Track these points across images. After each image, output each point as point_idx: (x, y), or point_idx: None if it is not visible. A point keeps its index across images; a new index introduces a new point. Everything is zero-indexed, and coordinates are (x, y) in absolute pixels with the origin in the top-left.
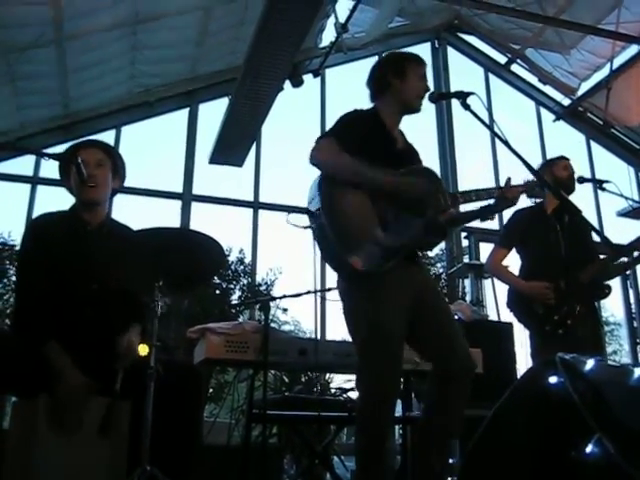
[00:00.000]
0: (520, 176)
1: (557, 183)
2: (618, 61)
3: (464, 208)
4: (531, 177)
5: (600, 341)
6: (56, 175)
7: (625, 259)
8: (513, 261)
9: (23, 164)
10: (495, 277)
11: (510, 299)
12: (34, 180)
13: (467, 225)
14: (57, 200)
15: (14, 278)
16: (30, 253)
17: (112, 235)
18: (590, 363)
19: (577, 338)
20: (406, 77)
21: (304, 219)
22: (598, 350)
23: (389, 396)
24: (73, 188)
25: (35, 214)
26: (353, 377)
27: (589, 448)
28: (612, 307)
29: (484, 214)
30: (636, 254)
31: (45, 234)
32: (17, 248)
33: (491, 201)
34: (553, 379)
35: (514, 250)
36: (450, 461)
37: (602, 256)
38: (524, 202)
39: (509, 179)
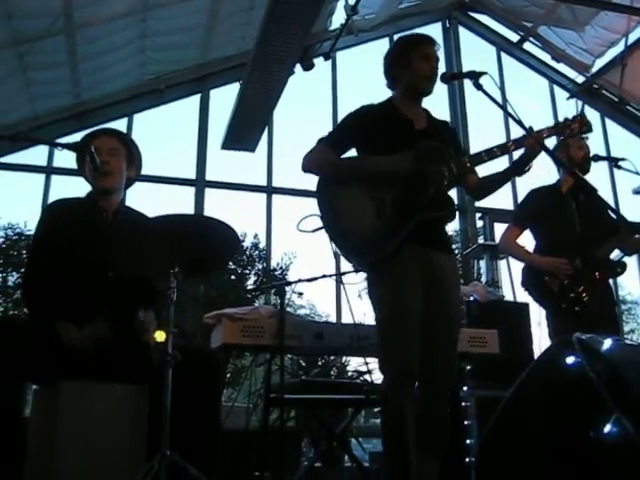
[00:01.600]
0: None
1: (571, 162)
2: (633, 37)
3: (480, 171)
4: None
5: (616, 318)
6: (70, 165)
7: None
8: (527, 241)
9: (37, 154)
10: (509, 255)
11: (525, 278)
12: (48, 170)
13: (481, 206)
14: (72, 189)
15: None
16: (43, 235)
17: (127, 222)
18: (607, 343)
19: (593, 315)
20: (410, 63)
21: (314, 221)
22: (614, 327)
23: (411, 372)
24: (88, 177)
25: None
26: (369, 360)
27: (608, 428)
28: (629, 286)
29: (517, 169)
30: None
31: (60, 219)
32: None
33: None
34: (570, 359)
35: (528, 231)
36: (468, 442)
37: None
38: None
39: (530, 127)
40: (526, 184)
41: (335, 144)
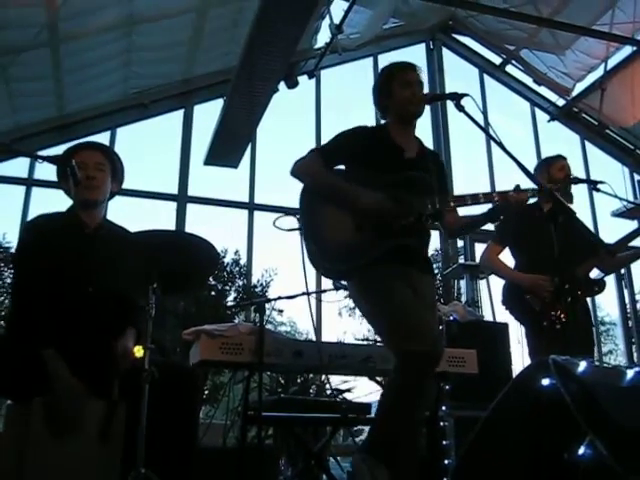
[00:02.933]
0: (515, 175)
1: (552, 183)
2: (612, 62)
3: (461, 211)
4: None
5: (593, 338)
6: (51, 177)
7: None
8: (506, 259)
9: (18, 166)
10: (491, 271)
11: (506, 296)
12: (29, 182)
13: None
14: (52, 202)
15: (9, 280)
16: (27, 254)
17: (109, 237)
18: (582, 365)
19: (572, 334)
20: (393, 93)
21: (292, 221)
22: (592, 347)
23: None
24: (70, 190)
25: (30, 216)
26: (348, 378)
27: (582, 450)
28: (607, 307)
29: (493, 217)
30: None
31: (42, 235)
32: (12, 250)
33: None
34: (546, 381)
35: (507, 249)
36: (446, 462)
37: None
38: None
39: (517, 186)
40: None
41: (327, 157)
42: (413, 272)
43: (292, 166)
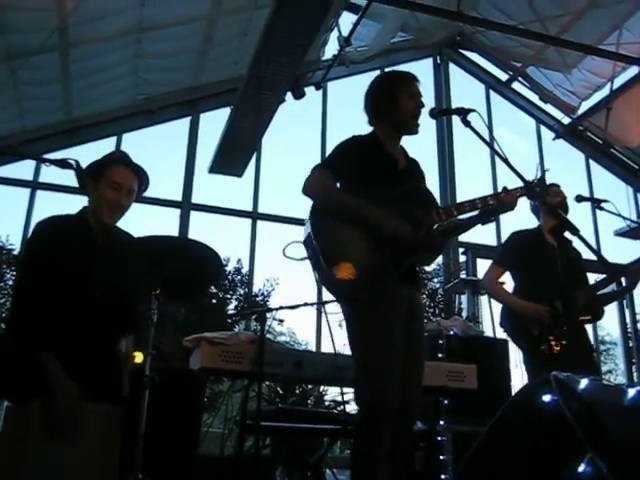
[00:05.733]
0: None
1: (550, 209)
2: (619, 81)
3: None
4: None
5: (594, 362)
6: (56, 180)
7: (614, 288)
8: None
9: (23, 168)
10: (492, 296)
11: (505, 319)
12: (34, 185)
13: (464, 241)
14: (56, 205)
15: (10, 282)
16: (34, 256)
17: (116, 243)
18: (584, 382)
19: (572, 359)
20: (396, 99)
21: (301, 250)
22: (593, 372)
23: (392, 407)
24: (94, 197)
25: (34, 219)
26: (347, 390)
27: (582, 467)
28: (608, 326)
29: (484, 218)
30: (625, 281)
31: (52, 237)
32: (15, 252)
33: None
34: (547, 397)
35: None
36: (443, 477)
37: (599, 276)
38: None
39: (505, 187)
40: (510, 222)
41: (334, 171)
42: (411, 292)
43: (303, 184)
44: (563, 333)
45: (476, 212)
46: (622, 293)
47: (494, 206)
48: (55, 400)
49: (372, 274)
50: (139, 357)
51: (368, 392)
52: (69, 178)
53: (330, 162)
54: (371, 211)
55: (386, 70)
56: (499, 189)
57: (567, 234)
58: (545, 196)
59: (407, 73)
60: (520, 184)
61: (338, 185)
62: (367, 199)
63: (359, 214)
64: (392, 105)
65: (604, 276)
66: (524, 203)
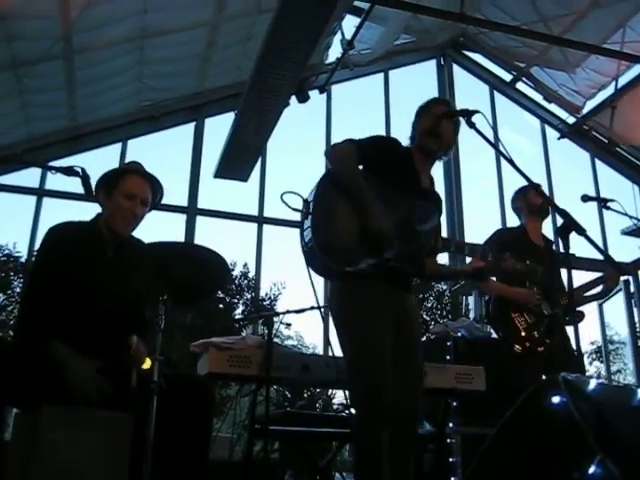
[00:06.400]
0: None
1: (532, 209)
2: (623, 80)
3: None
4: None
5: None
6: (62, 187)
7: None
8: None
9: (29, 176)
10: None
11: (491, 311)
12: (40, 192)
13: (470, 242)
14: (63, 212)
15: (18, 290)
16: (45, 262)
17: (126, 250)
18: (593, 383)
19: (555, 358)
20: (420, 120)
21: (298, 202)
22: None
23: (387, 402)
24: (108, 207)
25: (41, 226)
26: None
27: (592, 469)
28: (616, 326)
29: (473, 277)
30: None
31: (62, 245)
32: (22, 260)
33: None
34: (556, 399)
35: None
36: (451, 479)
37: (600, 274)
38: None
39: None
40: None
41: (361, 150)
42: (398, 292)
43: (329, 148)
44: (547, 331)
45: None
46: (603, 295)
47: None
48: (72, 385)
49: (350, 252)
50: (147, 363)
51: (362, 390)
52: (75, 185)
53: (361, 143)
54: (372, 203)
55: (390, 73)
56: (505, 189)
57: (547, 235)
58: (527, 195)
59: (438, 98)
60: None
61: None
62: (377, 192)
63: (362, 199)
64: (417, 128)
65: (595, 277)
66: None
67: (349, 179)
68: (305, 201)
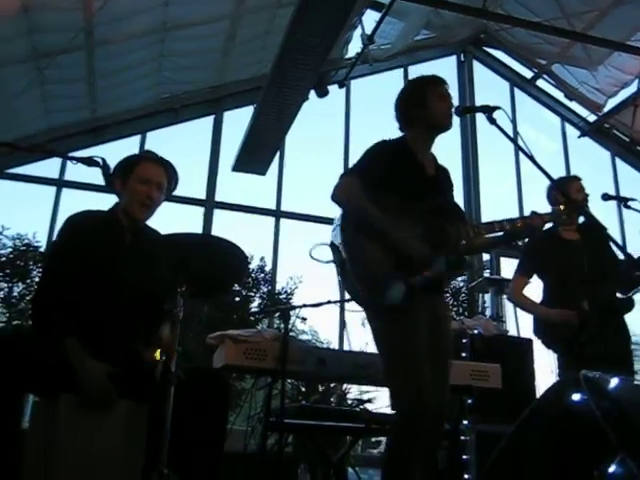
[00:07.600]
0: (542, 190)
1: (572, 203)
2: None
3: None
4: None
5: (631, 358)
6: (81, 178)
7: None
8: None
9: (49, 167)
10: (518, 306)
11: (536, 326)
12: (59, 183)
13: None
14: (82, 202)
15: (37, 279)
16: (62, 248)
17: (145, 241)
18: (614, 382)
19: (606, 357)
20: (428, 103)
21: (327, 252)
22: (629, 368)
23: (431, 404)
24: (124, 194)
25: (60, 216)
26: (370, 388)
27: (613, 467)
28: (635, 327)
29: (509, 240)
30: None
31: (81, 233)
32: (41, 250)
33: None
34: (577, 396)
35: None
36: (466, 477)
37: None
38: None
39: (533, 211)
40: None
41: (363, 177)
42: (435, 301)
43: (332, 191)
44: (594, 332)
45: (502, 233)
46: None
47: (520, 229)
48: (83, 387)
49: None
50: (157, 354)
51: (406, 392)
52: (94, 176)
53: (359, 169)
54: (391, 230)
55: (410, 69)
56: (524, 188)
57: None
58: (568, 190)
59: (434, 76)
60: (549, 210)
61: (368, 192)
62: (396, 209)
63: (381, 230)
64: (424, 109)
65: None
66: None
67: (362, 213)
68: (332, 244)
